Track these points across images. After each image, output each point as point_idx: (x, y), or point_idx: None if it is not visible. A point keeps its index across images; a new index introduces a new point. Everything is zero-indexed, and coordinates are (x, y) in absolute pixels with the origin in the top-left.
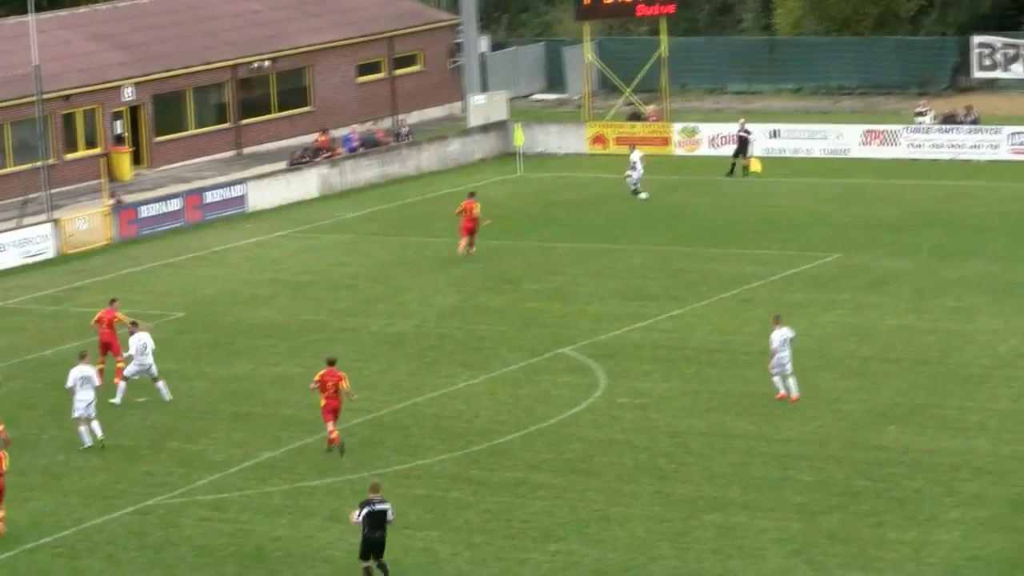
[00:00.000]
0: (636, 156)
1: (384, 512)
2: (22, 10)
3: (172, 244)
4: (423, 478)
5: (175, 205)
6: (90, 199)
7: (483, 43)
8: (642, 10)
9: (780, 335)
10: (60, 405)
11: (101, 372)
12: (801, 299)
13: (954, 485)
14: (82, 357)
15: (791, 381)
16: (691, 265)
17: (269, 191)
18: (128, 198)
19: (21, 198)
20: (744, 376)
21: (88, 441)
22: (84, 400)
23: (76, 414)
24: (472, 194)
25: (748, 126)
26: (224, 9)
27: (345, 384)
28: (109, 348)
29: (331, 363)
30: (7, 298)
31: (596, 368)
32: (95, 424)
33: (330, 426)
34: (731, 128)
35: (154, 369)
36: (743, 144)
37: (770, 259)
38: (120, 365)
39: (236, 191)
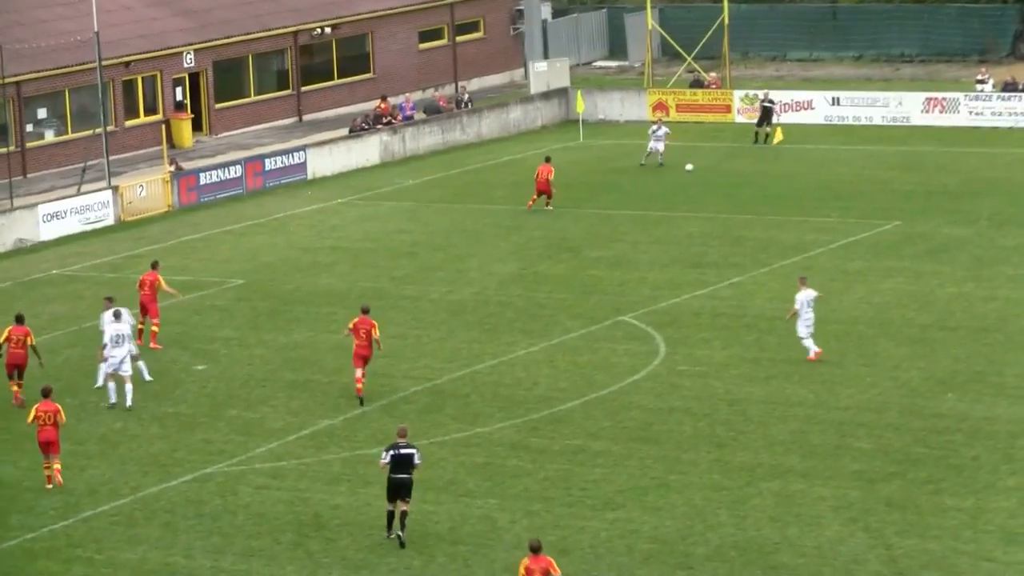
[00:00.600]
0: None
1: (410, 456)
2: None
3: (232, 211)
4: (482, 446)
5: (235, 172)
6: (150, 166)
7: (545, 10)
8: None
9: (806, 296)
10: None
11: (140, 332)
12: (860, 267)
13: (1012, 452)
14: (116, 316)
15: (809, 341)
16: (751, 233)
17: (329, 158)
18: (188, 165)
19: (81, 165)
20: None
21: (113, 399)
22: (117, 357)
23: (108, 370)
24: (548, 159)
25: (772, 96)
26: None
27: (375, 332)
28: (147, 311)
29: (365, 311)
30: (66, 265)
31: (656, 336)
32: (128, 387)
33: (358, 372)
34: (794, 95)
35: (127, 362)
36: (767, 113)
37: (830, 227)
38: (155, 329)
39: (296, 158)
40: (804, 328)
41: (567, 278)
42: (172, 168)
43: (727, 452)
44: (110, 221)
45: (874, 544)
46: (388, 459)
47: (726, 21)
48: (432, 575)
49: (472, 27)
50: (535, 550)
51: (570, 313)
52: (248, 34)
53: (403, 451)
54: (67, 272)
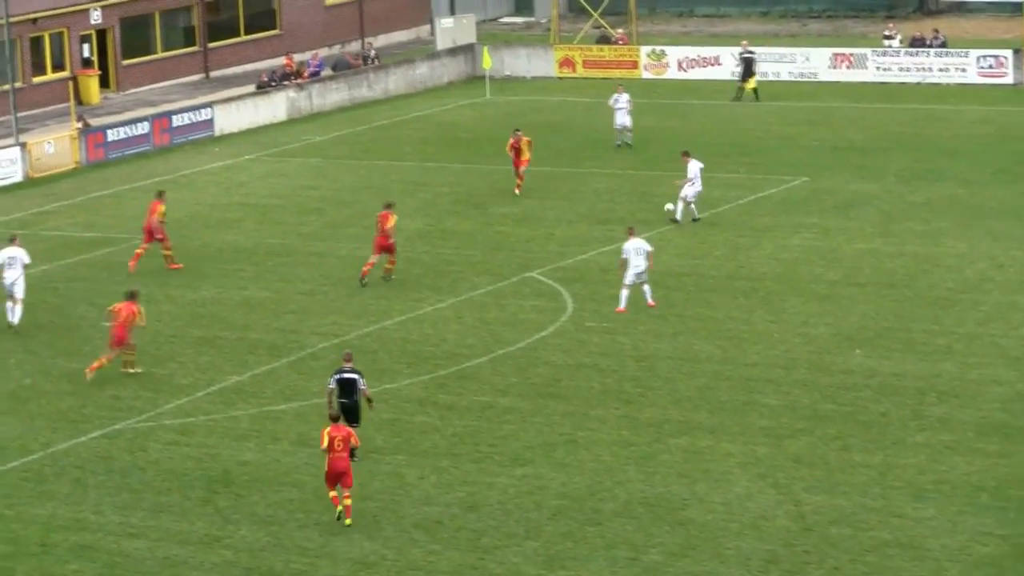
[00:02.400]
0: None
1: (353, 380)
2: None
3: (140, 168)
4: (390, 402)
5: (143, 129)
6: (57, 123)
7: None
8: None
9: (634, 245)
10: (27, 329)
11: (136, 257)
12: (768, 222)
13: (920, 409)
14: (11, 240)
15: (646, 288)
16: (658, 189)
17: (237, 115)
18: (95, 122)
19: None
20: (710, 300)
21: (11, 318)
22: (8, 279)
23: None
24: (517, 130)
25: (752, 48)
26: None
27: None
28: (153, 236)
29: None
30: None
31: (563, 292)
32: (18, 307)
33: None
34: (701, 51)
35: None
36: (748, 65)
37: (738, 182)
38: (167, 253)
39: (204, 115)
40: (633, 277)
41: (474, 234)
42: (80, 125)
43: (635, 408)
44: (18, 178)
45: (782, 500)
46: (334, 384)
47: None
48: (341, 531)
49: None
50: (334, 419)
51: (477, 269)
52: None
53: (347, 375)
54: None
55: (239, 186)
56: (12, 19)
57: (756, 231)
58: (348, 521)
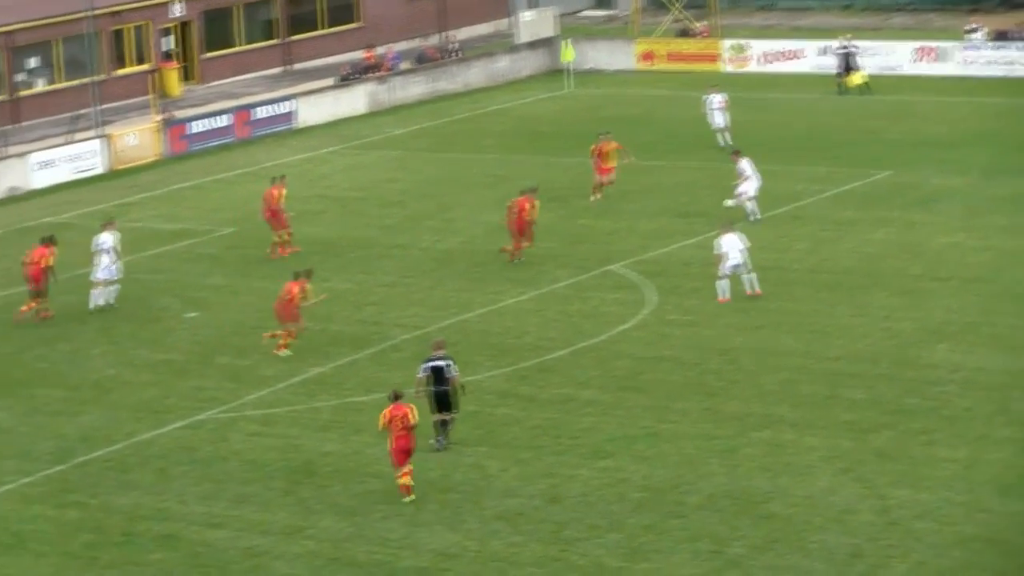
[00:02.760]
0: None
1: (442, 368)
2: None
3: (221, 160)
4: (472, 394)
5: (224, 121)
6: (139, 115)
7: None
8: None
9: (727, 242)
10: (110, 320)
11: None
12: (851, 216)
13: (1005, 403)
14: (104, 226)
15: (753, 276)
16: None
17: (318, 107)
18: (178, 114)
19: (71, 114)
20: (793, 294)
21: (92, 304)
22: (98, 265)
23: (92, 277)
24: (606, 132)
25: (855, 41)
26: None
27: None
28: (273, 221)
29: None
30: (58, 213)
31: (645, 285)
32: (111, 290)
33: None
34: (783, 44)
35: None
36: (848, 59)
37: (821, 176)
38: (287, 238)
39: (285, 107)
40: (730, 270)
41: (556, 227)
42: (162, 117)
43: (718, 401)
44: (101, 169)
45: (866, 494)
46: (424, 372)
47: None
48: (423, 522)
49: None
50: (395, 399)
51: (559, 262)
52: None
53: (438, 363)
54: (59, 220)
55: (321, 178)
56: (95, 12)
57: (839, 225)
58: (409, 498)
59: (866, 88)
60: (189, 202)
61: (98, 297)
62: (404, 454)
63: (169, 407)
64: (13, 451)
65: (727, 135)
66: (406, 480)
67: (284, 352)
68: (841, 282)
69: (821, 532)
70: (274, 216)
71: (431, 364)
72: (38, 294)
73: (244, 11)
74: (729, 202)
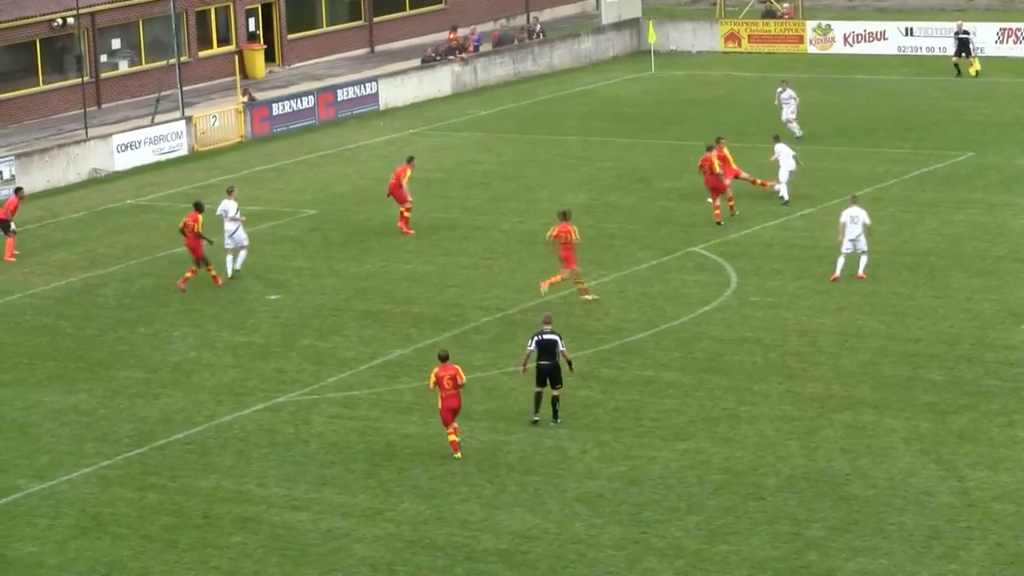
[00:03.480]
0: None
1: (553, 342)
2: None
3: (304, 142)
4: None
5: (307, 103)
6: (223, 97)
7: None
8: None
9: (852, 213)
10: (191, 302)
11: (403, 218)
12: (933, 198)
13: None
14: (228, 192)
15: (863, 259)
16: (823, 164)
17: (401, 89)
18: (260, 96)
19: (155, 95)
20: (875, 275)
21: (229, 270)
22: (227, 231)
23: (224, 245)
24: (718, 140)
25: (966, 26)
26: None
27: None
28: (396, 197)
29: (444, 358)
30: (140, 195)
31: (727, 267)
32: (241, 254)
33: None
34: (867, 26)
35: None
36: (963, 44)
37: (903, 158)
38: (406, 215)
39: (368, 89)
40: (848, 245)
41: (638, 209)
42: (245, 99)
43: (798, 383)
44: (183, 151)
45: (945, 476)
46: (533, 345)
47: None
48: (503, 504)
49: None
50: (443, 359)
51: (641, 244)
52: None
53: (546, 337)
54: (141, 202)
55: (404, 160)
56: None
57: (921, 206)
58: (458, 455)
59: (973, 73)
60: (272, 184)
61: (232, 263)
62: (452, 413)
63: (250, 389)
64: (93, 433)
65: (794, 129)
66: (454, 437)
67: (589, 296)
68: (922, 264)
69: (900, 514)
70: (396, 191)
71: (540, 338)
72: (199, 261)
73: None
74: (779, 189)
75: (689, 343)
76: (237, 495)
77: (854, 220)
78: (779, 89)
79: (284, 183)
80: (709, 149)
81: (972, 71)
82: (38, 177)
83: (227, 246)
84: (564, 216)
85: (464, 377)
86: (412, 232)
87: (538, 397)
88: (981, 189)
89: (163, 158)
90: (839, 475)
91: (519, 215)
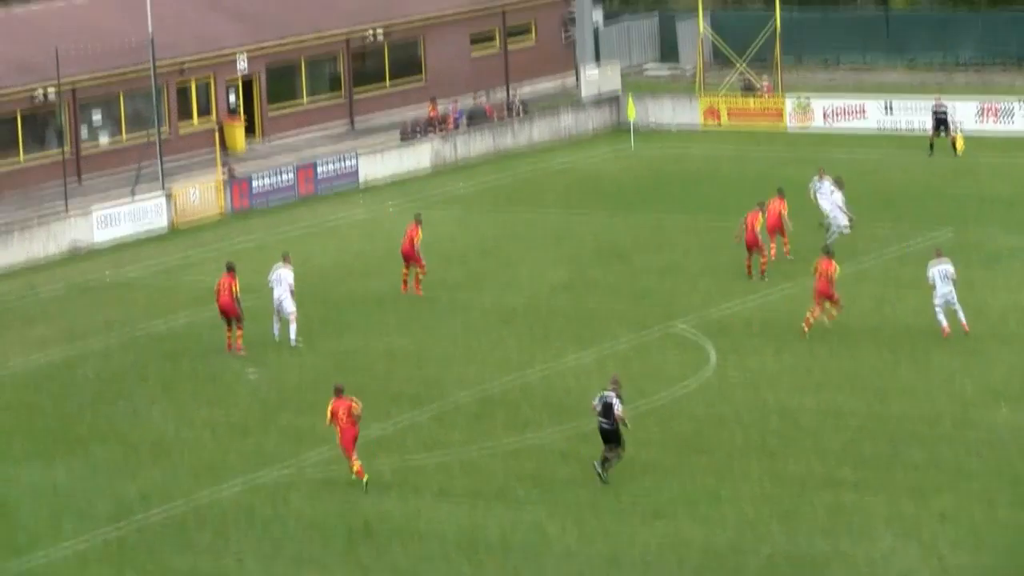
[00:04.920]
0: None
1: (610, 404)
2: None
3: (284, 216)
4: (533, 454)
5: (288, 177)
6: (203, 171)
7: (596, 15)
8: None
9: (936, 270)
10: (171, 378)
11: (405, 281)
12: (914, 275)
13: None
14: (284, 259)
15: (958, 311)
16: (803, 240)
17: (381, 164)
18: (241, 170)
19: (135, 169)
20: (856, 353)
21: (276, 335)
22: (275, 296)
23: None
24: (778, 193)
25: (947, 102)
26: None
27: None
28: (410, 260)
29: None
30: (120, 270)
31: (706, 344)
32: (292, 325)
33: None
34: (846, 101)
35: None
36: (940, 122)
37: (883, 235)
38: (420, 276)
39: (348, 163)
40: (940, 300)
41: (618, 285)
42: (225, 173)
43: (778, 462)
44: (164, 226)
45: (927, 557)
46: (598, 403)
47: (778, 27)
48: None
49: (524, 32)
50: (339, 392)
51: (621, 320)
52: (300, 37)
53: (606, 398)
54: (121, 276)
55: (383, 235)
56: (159, 67)
57: (901, 284)
58: (367, 478)
59: (952, 149)
60: (251, 259)
61: (288, 331)
62: (352, 443)
63: (228, 466)
64: (71, 510)
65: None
66: (357, 466)
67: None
68: (903, 342)
69: None
70: (410, 253)
71: (603, 398)
72: (231, 322)
73: (308, 66)
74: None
75: (669, 421)
76: (216, 573)
77: (943, 276)
78: (815, 181)
79: (264, 258)
80: (759, 205)
81: (959, 148)
82: (17, 251)
83: (280, 312)
84: (827, 252)
85: (360, 407)
86: (421, 294)
87: (605, 457)
88: (962, 266)
89: (143, 232)
90: (820, 556)
91: (499, 291)
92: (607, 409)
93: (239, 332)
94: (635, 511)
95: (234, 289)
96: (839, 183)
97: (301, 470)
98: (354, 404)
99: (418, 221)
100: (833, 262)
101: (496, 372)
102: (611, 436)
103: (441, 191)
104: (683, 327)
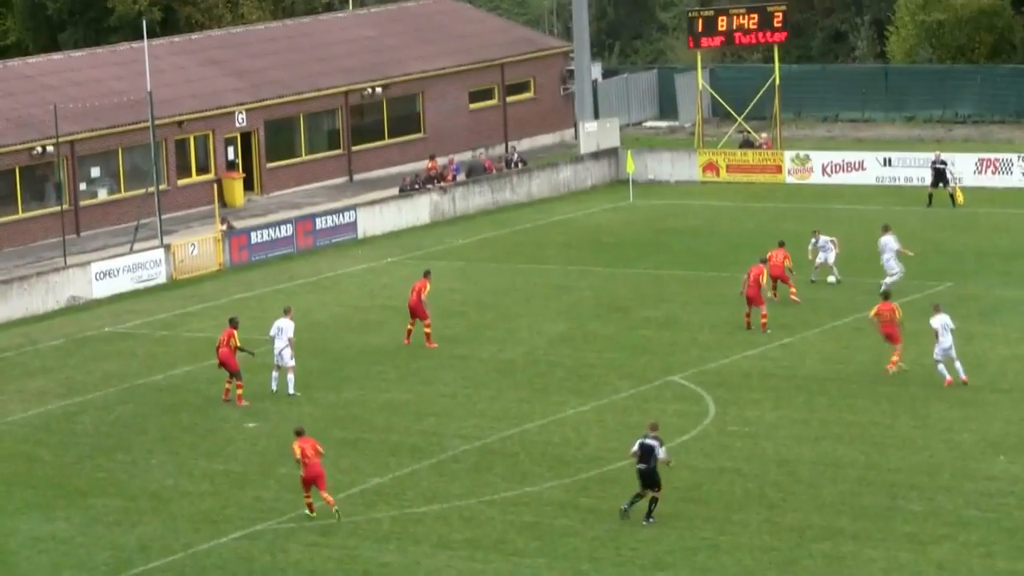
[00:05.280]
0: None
1: (652, 447)
2: (136, 36)
3: (283, 270)
4: (531, 505)
5: (286, 231)
6: (201, 224)
7: (595, 70)
8: (754, 38)
9: (939, 321)
10: (170, 430)
11: (409, 334)
12: (912, 328)
13: None
14: (285, 312)
15: (957, 364)
16: (802, 293)
17: (380, 217)
18: (239, 224)
19: (134, 223)
20: (854, 405)
21: (273, 386)
22: (276, 348)
23: (274, 361)
24: (426, 272)
25: (944, 156)
26: (337, 35)
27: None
28: (416, 314)
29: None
30: (119, 323)
31: (705, 396)
32: (289, 376)
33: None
34: (845, 156)
35: (285, 353)
36: (939, 175)
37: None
38: (427, 331)
39: (347, 217)
40: (940, 353)
41: (617, 338)
42: (224, 227)
43: (777, 513)
44: (162, 279)
45: None
46: (636, 448)
47: (777, 81)
48: None
49: (522, 87)
50: (299, 433)
51: (620, 373)
52: (299, 94)
53: (647, 441)
54: (119, 330)
55: (382, 288)
56: (158, 122)
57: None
58: (336, 508)
59: (950, 200)
60: (250, 312)
61: (287, 383)
62: (321, 478)
63: (227, 517)
64: (71, 561)
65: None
66: (328, 498)
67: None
68: (901, 393)
69: None
70: (418, 307)
71: (643, 441)
72: (232, 375)
73: (307, 121)
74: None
75: (668, 472)
76: None
77: (944, 328)
78: (812, 240)
79: (263, 311)
80: (762, 261)
81: (958, 201)
82: (16, 304)
83: (280, 364)
84: (886, 297)
85: (322, 447)
86: (435, 345)
87: (637, 497)
88: (960, 319)
89: (142, 286)
90: None
91: (498, 344)
92: (647, 453)
93: (239, 384)
94: (634, 562)
95: (233, 343)
96: (887, 229)
97: (300, 521)
98: (317, 444)
99: (427, 276)
100: (893, 304)
101: (495, 424)
102: (650, 478)
103: (440, 245)
104: (682, 379)
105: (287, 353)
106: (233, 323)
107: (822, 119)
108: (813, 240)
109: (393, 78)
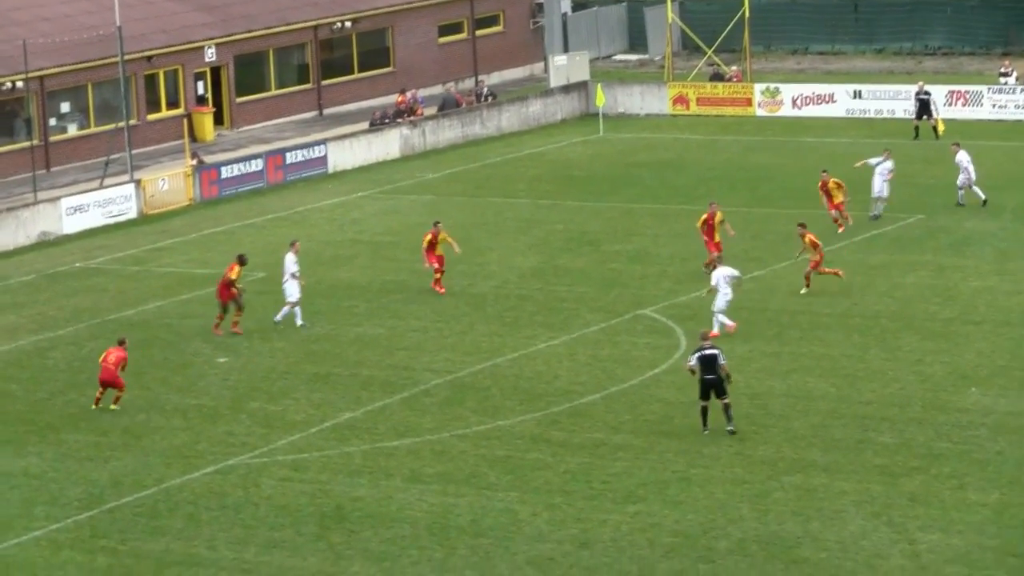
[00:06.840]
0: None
1: (714, 356)
2: None
3: (253, 205)
4: (503, 439)
5: (256, 166)
6: (172, 160)
7: (565, 3)
8: None
9: (723, 273)
10: (141, 365)
11: (438, 282)
12: (883, 260)
13: None
14: (291, 245)
15: (721, 317)
16: (772, 227)
17: (350, 152)
18: (209, 159)
19: (104, 159)
20: (825, 338)
21: (279, 318)
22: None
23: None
24: (824, 170)
25: (928, 87)
26: None
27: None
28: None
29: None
30: (89, 258)
31: (676, 329)
32: (284, 309)
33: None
34: (815, 88)
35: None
36: (924, 106)
37: (853, 220)
38: (437, 276)
39: (317, 152)
40: (722, 302)
41: (587, 271)
42: (194, 162)
43: (748, 446)
44: (133, 214)
45: (897, 539)
46: (695, 361)
47: (747, 14)
48: (453, 567)
49: (492, 21)
50: (120, 343)
51: (590, 307)
52: (269, 28)
53: (707, 352)
54: (90, 265)
55: (352, 223)
56: (127, 57)
57: (871, 269)
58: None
59: (934, 133)
60: (221, 247)
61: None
62: (114, 384)
63: (199, 452)
64: (43, 497)
65: (879, 207)
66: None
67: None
68: (872, 326)
69: None
70: (430, 252)
71: (701, 353)
72: (224, 308)
73: (277, 56)
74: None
75: (639, 406)
76: (187, 558)
77: (726, 281)
78: (878, 159)
79: (233, 246)
80: (434, 225)
81: (939, 132)
82: None
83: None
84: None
85: (124, 367)
86: (443, 291)
87: (704, 410)
88: (931, 251)
89: (112, 221)
90: (790, 538)
91: (468, 278)
92: (710, 362)
93: (219, 316)
94: (606, 494)
95: (229, 276)
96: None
97: (272, 456)
98: (125, 358)
99: (436, 226)
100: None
101: (466, 358)
102: (717, 388)
103: (410, 179)
104: (653, 313)
105: (287, 288)
106: (241, 260)
107: (792, 52)
108: (878, 160)
109: (362, 12)
